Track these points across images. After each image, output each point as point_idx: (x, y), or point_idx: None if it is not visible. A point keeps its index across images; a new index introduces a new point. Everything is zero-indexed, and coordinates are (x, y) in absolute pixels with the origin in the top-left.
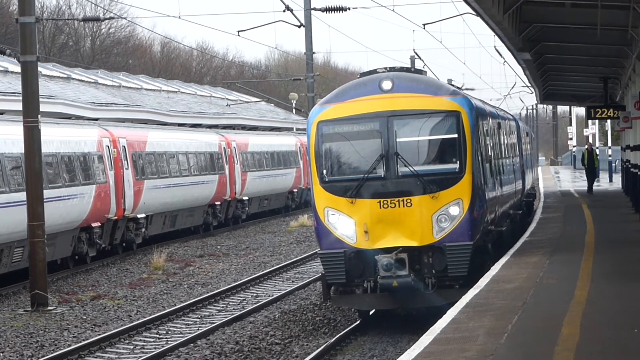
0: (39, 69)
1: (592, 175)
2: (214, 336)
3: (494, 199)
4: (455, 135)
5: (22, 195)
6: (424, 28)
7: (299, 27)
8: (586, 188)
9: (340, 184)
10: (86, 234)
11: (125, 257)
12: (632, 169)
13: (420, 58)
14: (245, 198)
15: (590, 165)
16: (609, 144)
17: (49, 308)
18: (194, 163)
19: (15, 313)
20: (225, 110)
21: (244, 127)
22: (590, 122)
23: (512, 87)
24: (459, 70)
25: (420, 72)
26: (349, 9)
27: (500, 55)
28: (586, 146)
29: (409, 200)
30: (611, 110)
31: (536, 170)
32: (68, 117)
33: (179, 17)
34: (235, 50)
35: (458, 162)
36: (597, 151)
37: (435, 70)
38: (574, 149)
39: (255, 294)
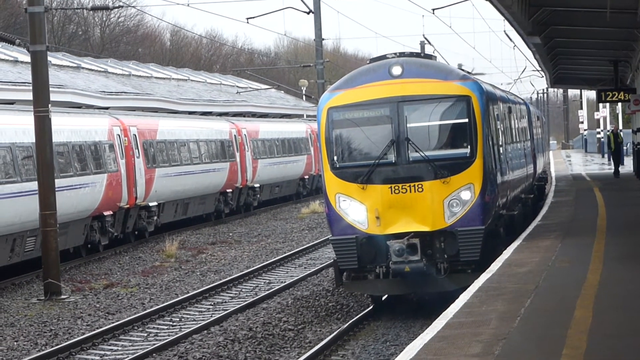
0: (49, 58)
1: (617, 159)
2: (227, 323)
3: (505, 183)
4: (466, 120)
5: (34, 185)
6: (434, 13)
7: (308, 13)
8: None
9: (351, 170)
10: (98, 223)
11: (138, 245)
12: None
13: (430, 43)
14: (257, 185)
15: (617, 148)
16: (620, 127)
17: (62, 297)
18: (205, 151)
19: (29, 302)
20: (236, 97)
21: (254, 115)
22: (601, 105)
23: (523, 71)
24: (468, 55)
25: (430, 57)
26: None
27: (510, 39)
28: (611, 128)
29: (420, 186)
30: (622, 93)
31: (547, 154)
32: (78, 106)
33: (188, 5)
34: (245, 38)
35: (469, 146)
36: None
37: (445, 55)
38: (585, 132)
39: (267, 281)
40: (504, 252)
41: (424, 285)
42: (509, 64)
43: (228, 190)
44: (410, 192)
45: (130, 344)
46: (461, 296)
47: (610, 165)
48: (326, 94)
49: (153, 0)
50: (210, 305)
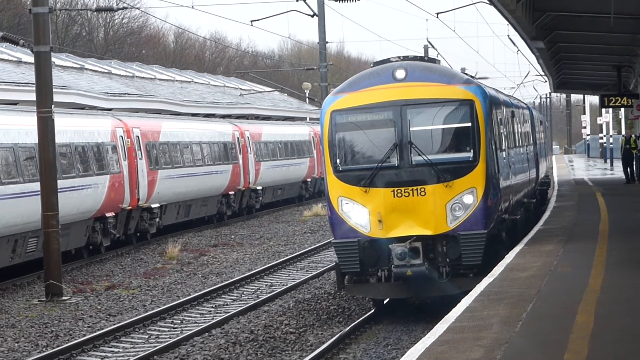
0: (53, 59)
1: (629, 164)
2: (229, 325)
3: (508, 188)
4: (469, 124)
5: (36, 186)
6: (438, 17)
7: (312, 16)
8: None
9: (353, 173)
10: (100, 224)
11: (140, 247)
12: None
13: (433, 47)
14: (259, 188)
15: (626, 154)
16: (623, 132)
17: (64, 298)
18: (208, 153)
19: (30, 303)
20: (239, 100)
21: (257, 117)
22: (603, 110)
23: (526, 76)
24: (472, 59)
25: (433, 61)
26: None
27: (514, 44)
28: (624, 134)
29: (422, 189)
30: (625, 98)
31: (550, 158)
32: (82, 107)
33: (192, 7)
34: (249, 40)
35: (472, 150)
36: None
37: (449, 59)
38: (588, 137)
39: (269, 283)
40: (506, 256)
41: (426, 289)
42: (512, 69)
43: (230, 193)
44: (413, 195)
45: (131, 345)
46: (463, 300)
47: (613, 170)
48: (329, 97)
49: (157, 2)
50: (212, 307)
